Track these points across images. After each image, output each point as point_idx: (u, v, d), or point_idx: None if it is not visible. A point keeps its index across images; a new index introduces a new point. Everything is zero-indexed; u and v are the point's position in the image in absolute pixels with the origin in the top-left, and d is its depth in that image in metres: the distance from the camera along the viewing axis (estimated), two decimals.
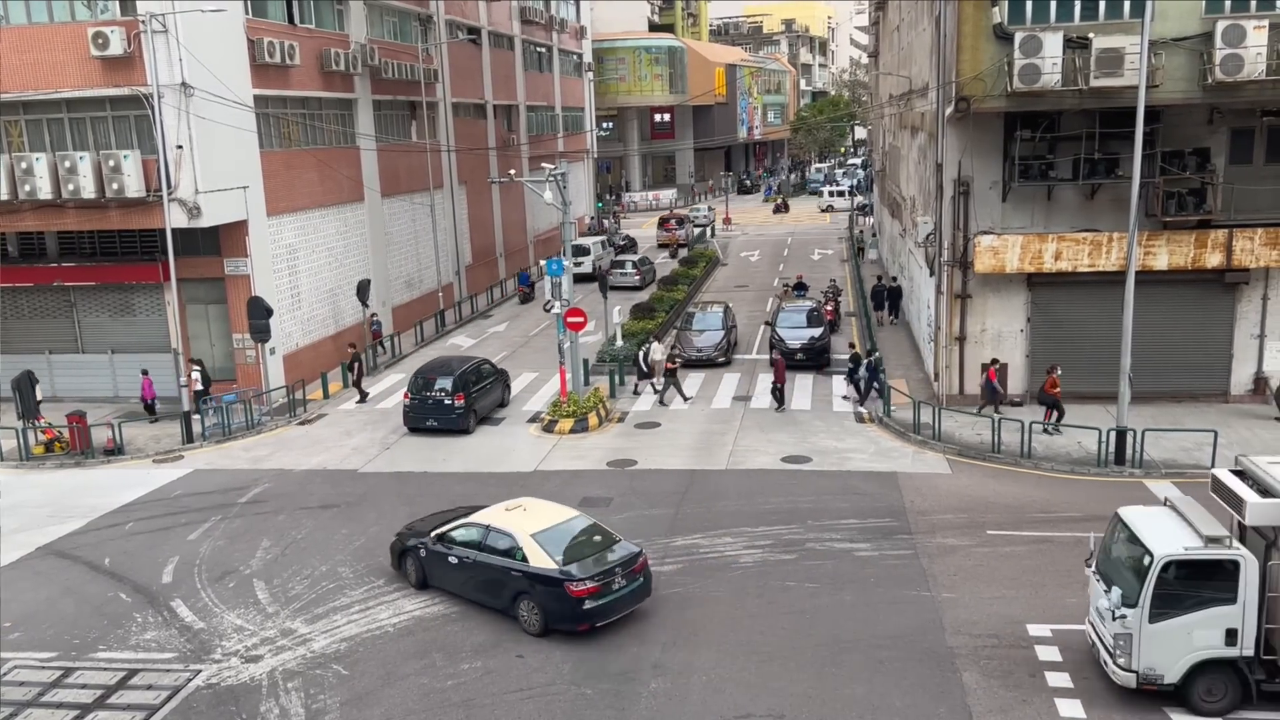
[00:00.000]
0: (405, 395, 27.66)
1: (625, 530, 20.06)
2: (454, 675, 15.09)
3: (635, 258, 49.84)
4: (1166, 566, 13.08)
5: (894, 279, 41.22)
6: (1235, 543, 13.16)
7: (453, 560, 17.21)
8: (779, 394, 28.27)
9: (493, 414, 28.79)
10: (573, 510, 17.78)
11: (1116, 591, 13.40)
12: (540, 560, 16.03)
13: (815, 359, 31.95)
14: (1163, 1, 22.63)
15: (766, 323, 35.32)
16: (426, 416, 27.01)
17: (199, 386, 29.25)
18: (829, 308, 36.91)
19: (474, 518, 17.54)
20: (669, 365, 29.21)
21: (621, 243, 58.32)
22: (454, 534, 17.43)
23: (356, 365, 31.11)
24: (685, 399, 29.23)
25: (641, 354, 30.51)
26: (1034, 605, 16.47)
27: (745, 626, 16.13)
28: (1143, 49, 21.02)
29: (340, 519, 21.56)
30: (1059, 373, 24.88)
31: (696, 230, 64.57)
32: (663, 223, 63.34)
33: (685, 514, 20.99)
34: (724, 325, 34.27)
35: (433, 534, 17.75)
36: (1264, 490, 13.27)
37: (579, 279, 42.73)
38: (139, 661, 15.94)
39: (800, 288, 41.35)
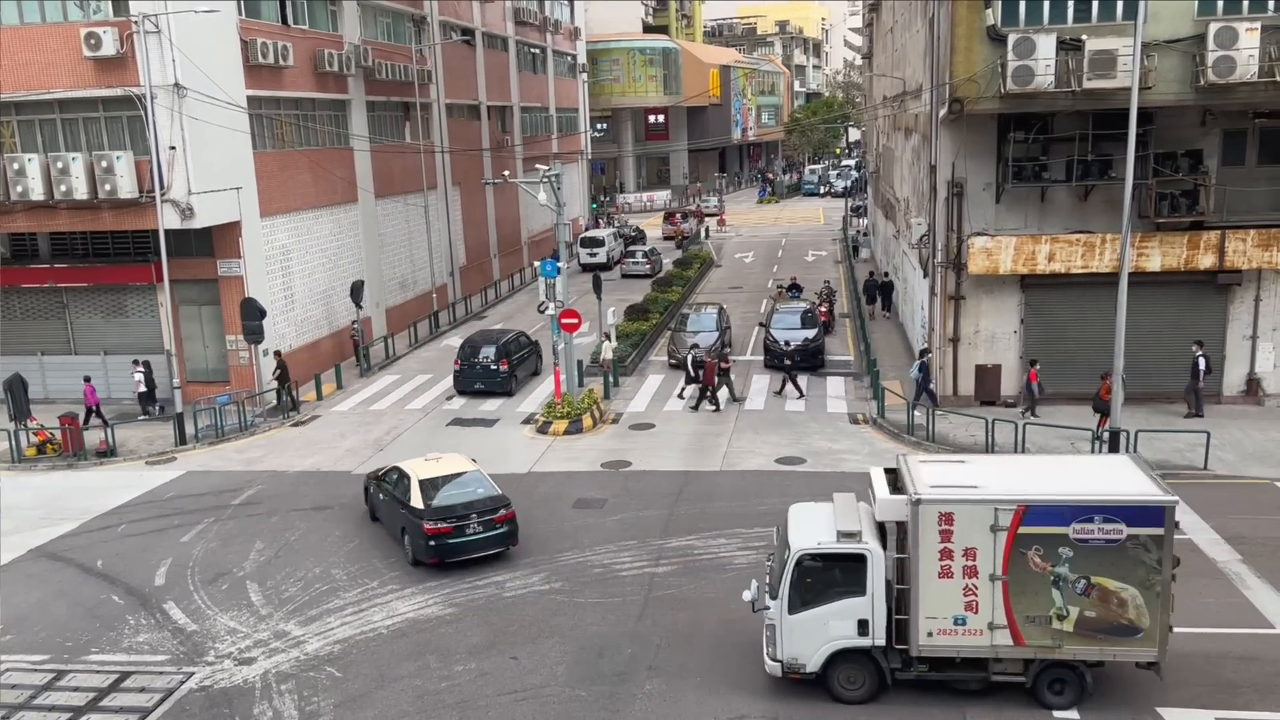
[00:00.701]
0: (455, 363, 31.15)
1: (619, 531, 20.09)
2: (448, 677, 15.07)
3: (645, 248, 53.60)
4: (800, 560, 13.83)
5: (885, 274, 43.05)
6: (866, 538, 13.77)
7: (380, 497, 20.52)
8: (710, 397, 28.51)
9: (528, 380, 32.43)
10: (473, 465, 20.21)
11: (754, 585, 14.56)
12: (415, 501, 18.88)
13: (810, 360, 31.89)
14: (1155, 3, 22.70)
15: (761, 324, 35.26)
16: (475, 380, 30.55)
17: (143, 388, 29.06)
18: (823, 309, 36.96)
19: (400, 464, 20.48)
20: (724, 365, 29.16)
21: (632, 234, 60.78)
22: (385, 476, 20.69)
23: (281, 372, 29.20)
24: (735, 399, 29.15)
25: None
26: None
27: (739, 627, 16.11)
28: (1135, 51, 21.05)
29: (334, 521, 21.52)
30: (1266, 401, 23.54)
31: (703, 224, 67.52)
32: (668, 217, 68.20)
33: (679, 515, 20.99)
34: (718, 326, 34.22)
35: (371, 475, 21.50)
36: (900, 488, 13.94)
37: (591, 268, 50.58)
38: (132, 664, 15.89)
39: (794, 289, 41.40)
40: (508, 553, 19.20)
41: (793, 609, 13.89)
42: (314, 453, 26.21)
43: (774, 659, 14.12)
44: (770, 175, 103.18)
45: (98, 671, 15.69)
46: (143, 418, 27.99)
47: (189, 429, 27.52)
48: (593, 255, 53.27)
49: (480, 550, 18.64)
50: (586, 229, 66.39)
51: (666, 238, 64.78)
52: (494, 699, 14.43)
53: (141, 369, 29.31)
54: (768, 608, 14.17)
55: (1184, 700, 13.74)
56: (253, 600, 17.92)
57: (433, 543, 18.25)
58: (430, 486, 19.10)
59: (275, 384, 29.40)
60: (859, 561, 13.65)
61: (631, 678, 14.85)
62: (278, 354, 29.95)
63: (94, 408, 28.86)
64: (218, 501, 22.96)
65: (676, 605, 17.01)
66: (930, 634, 13.61)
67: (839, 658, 13.93)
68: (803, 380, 30.00)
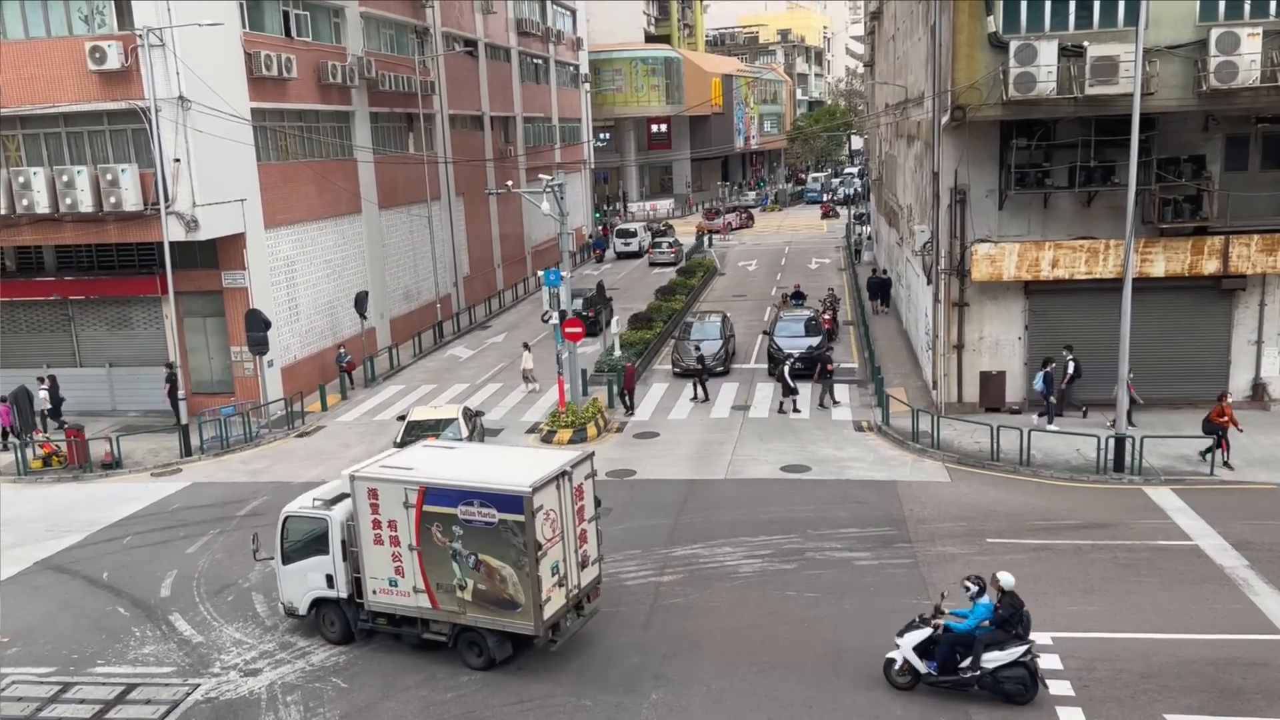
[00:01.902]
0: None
1: (624, 540, 20.07)
2: (453, 687, 15.04)
3: (669, 239, 61.13)
4: (286, 520, 16.58)
5: (884, 271, 45.44)
6: (333, 505, 16.15)
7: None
8: (626, 398, 29.48)
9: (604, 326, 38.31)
10: (456, 413, 24.72)
11: (256, 536, 17.55)
12: (398, 438, 23.53)
13: (813, 368, 31.82)
14: (1157, 8, 22.71)
15: (764, 332, 35.25)
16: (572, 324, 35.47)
17: (47, 405, 28.70)
18: (827, 316, 36.95)
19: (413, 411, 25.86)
20: (828, 367, 29.46)
21: (661, 228, 66.87)
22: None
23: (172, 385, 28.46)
24: (836, 402, 29.32)
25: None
26: (1034, 613, 16.27)
27: (745, 636, 16.10)
28: (1137, 57, 21.09)
29: None
30: (1229, 399, 23.08)
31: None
32: (707, 214, 75.77)
33: (684, 524, 20.96)
34: (722, 335, 34.28)
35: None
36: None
37: (625, 255, 62.99)
38: (137, 676, 15.89)
39: (798, 297, 41.37)
40: None
41: (285, 561, 16.56)
42: (319, 463, 26.22)
43: (279, 600, 16.97)
44: (759, 182, 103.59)
45: (104, 684, 15.68)
46: (41, 436, 27.41)
47: (194, 440, 27.56)
48: (626, 245, 63.13)
49: None
50: (590, 238, 67.09)
51: (709, 232, 70.24)
52: (499, 709, 14.40)
53: (44, 387, 28.70)
54: (271, 558, 16.83)
55: (1192, 707, 13.67)
56: (258, 611, 17.91)
57: None
58: (411, 430, 23.98)
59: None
60: (324, 526, 16.07)
61: (637, 687, 14.81)
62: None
63: (6, 429, 28.31)
64: (223, 513, 22.97)
65: (682, 614, 16.97)
66: (375, 592, 15.85)
67: (319, 604, 16.46)
68: (805, 388, 29.82)
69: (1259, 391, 26.12)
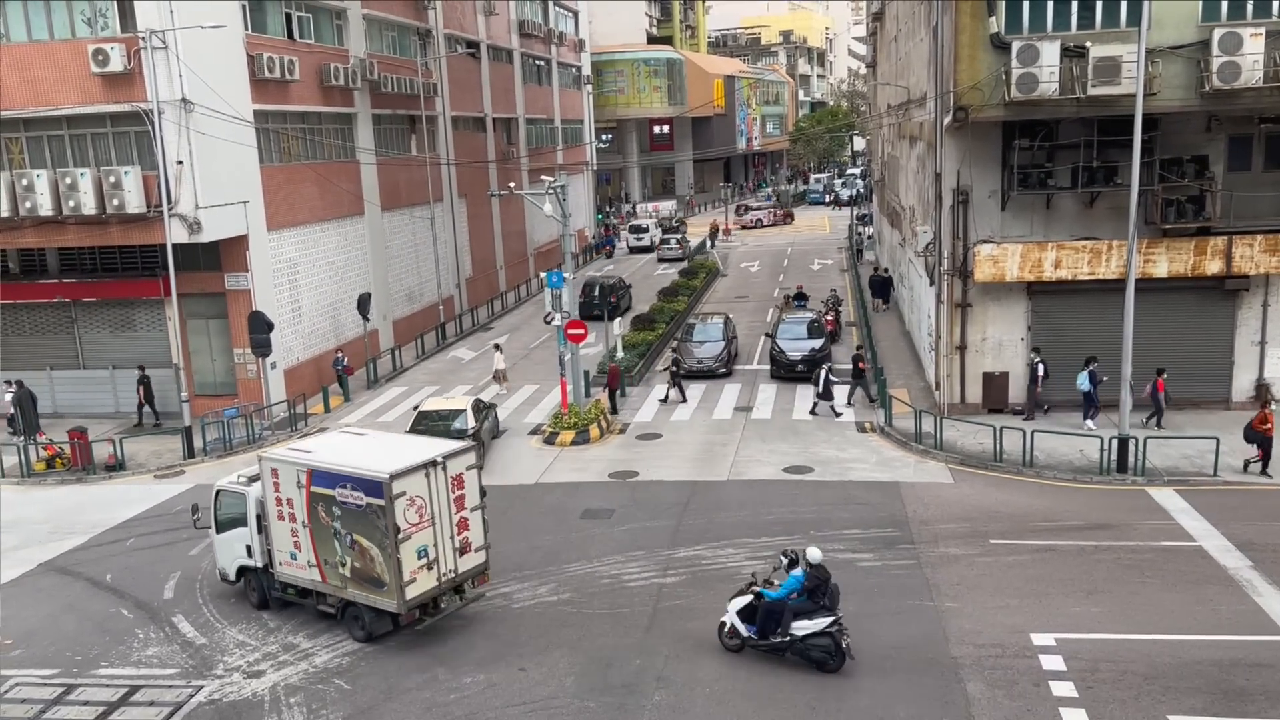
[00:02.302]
0: (580, 294, 40.93)
1: (627, 542, 20.08)
2: (456, 689, 15.05)
3: (678, 236, 63.24)
4: (218, 493, 18.24)
5: (886, 270, 46.50)
6: (252, 482, 17.60)
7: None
8: (611, 399, 29.59)
9: (626, 310, 43.59)
10: (466, 404, 26.11)
11: (196, 506, 19.12)
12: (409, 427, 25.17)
13: (815, 369, 31.78)
14: (1160, 9, 22.70)
15: (767, 334, 35.19)
16: (593, 308, 40.64)
17: (11, 410, 28.23)
18: (829, 317, 36.93)
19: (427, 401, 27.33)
20: (861, 365, 29.48)
21: (673, 225, 69.08)
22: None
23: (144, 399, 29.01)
24: (872, 400, 29.03)
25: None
26: (1038, 615, 16.42)
27: None
28: (1140, 57, 21.07)
29: None
30: (1274, 406, 22.82)
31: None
32: (739, 209, 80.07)
33: (687, 525, 20.96)
34: (724, 336, 34.24)
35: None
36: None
37: (638, 249, 65.82)
38: (141, 678, 15.90)
39: (800, 298, 41.27)
40: (515, 569, 19.20)
41: (218, 531, 18.20)
42: None
43: (216, 569, 18.68)
44: (763, 183, 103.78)
45: (107, 685, 15.70)
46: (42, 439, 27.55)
47: (197, 442, 27.59)
48: (639, 240, 66.14)
49: None
50: (593, 240, 67.28)
51: (744, 226, 75.34)
52: (502, 710, 14.41)
53: (13, 388, 28.59)
54: (209, 526, 18.36)
55: (1195, 709, 13.65)
56: (261, 613, 17.91)
57: None
58: (421, 419, 25.24)
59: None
60: (243, 499, 17.58)
61: (640, 689, 14.81)
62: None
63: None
64: None
65: (685, 616, 16.97)
66: (281, 564, 17.25)
67: (243, 572, 18.05)
68: (808, 390, 29.62)
69: (1262, 392, 26.06)
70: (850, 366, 29.82)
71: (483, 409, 26.89)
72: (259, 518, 17.39)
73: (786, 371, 31.86)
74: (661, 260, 61.05)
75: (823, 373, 28.43)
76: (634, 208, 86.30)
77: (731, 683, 14.83)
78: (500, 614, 17.42)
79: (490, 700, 14.69)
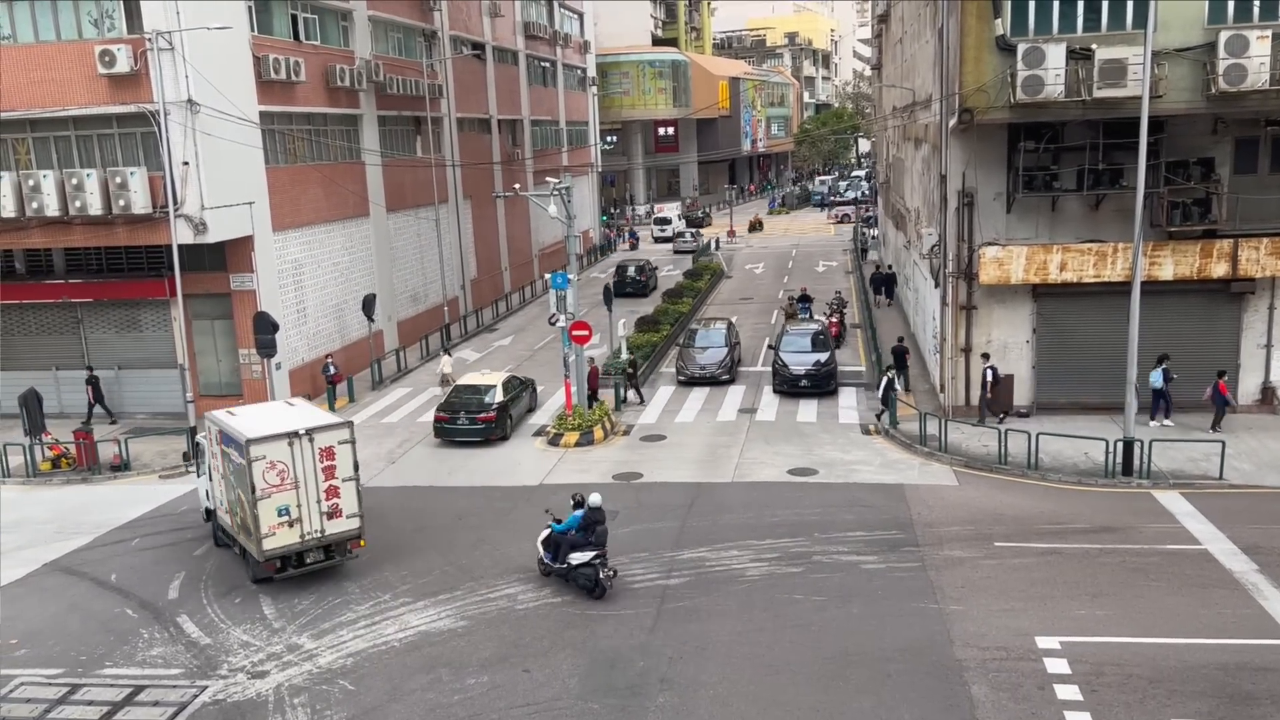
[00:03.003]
0: (614, 275, 48.89)
1: (631, 543, 20.07)
2: (460, 690, 15.05)
3: (694, 230, 68.79)
4: (197, 442, 21.20)
5: (889, 266, 48.19)
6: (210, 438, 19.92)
7: None
8: (591, 400, 29.31)
9: (654, 289, 49.97)
10: (498, 380, 28.42)
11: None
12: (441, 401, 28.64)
13: (821, 385, 30.51)
14: (1166, 11, 22.67)
15: (770, 346, 34.56)
16: (625, 287, 47.98)
17: None
18: (834, 320, 36.84)
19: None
20: (905, 356, 29.94)
21: (698, 218, 74.93)
22: None
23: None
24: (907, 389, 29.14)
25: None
26: (1042, 617, 16.39)
27: (752, 640, 16.08)
28: (1146, 60, 21.05)
29: None
30: None
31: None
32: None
33: (691, 527, 20.95)
34: (727, 342, 33.71)
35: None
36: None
37: (661, 240, 70.11)
38: (145, 678, 15.92)
39: (804, 300, 40.91)
40: (520, 570, 19.22)
41: (198, 474, 21.51)
42: None
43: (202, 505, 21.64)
44: (766, 185, 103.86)
45: (111, 685, 15.72)
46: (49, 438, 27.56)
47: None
48: (663, 231, 70.39)
49: (464, 435, 27.02)
50: (597, 244, 67.64)
51: (837, 221, 78.68)
52: (506, 712, 14.41)
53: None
54: (203, 474, 21.14)
55: (1200, 712, 13.61)
56: (265, 614, 17.95)
57: (435, 424, 27.61)
58: (456, 391, 28.20)
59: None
60: (202, 449, 20.67)
61: (644, 691, 14.80)
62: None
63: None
64: None
65: (689, 617, 16.96)
66: (218, 508, 20.00)
67: (209, 513, 21.15)
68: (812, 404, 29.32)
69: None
70: (860, 368, 29.77)
71: (516, 386, 29.42)
72: (209, 466, 20.32)
73: (790, 387, 30.63)
74: (677, 252, 65.16)
75: (884, 381, 27.57)
76: (652, 206, 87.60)
77: (735, 685, 14.82)
78: (504, 615, 17.43)
79: (494, 701, 14.69)
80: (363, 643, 16.67)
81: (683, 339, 35.75)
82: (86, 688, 15.69)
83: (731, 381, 32.85)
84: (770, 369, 32.19)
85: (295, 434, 18.20)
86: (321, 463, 18.47)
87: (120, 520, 23.10)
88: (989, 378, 25.97)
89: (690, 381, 32.09)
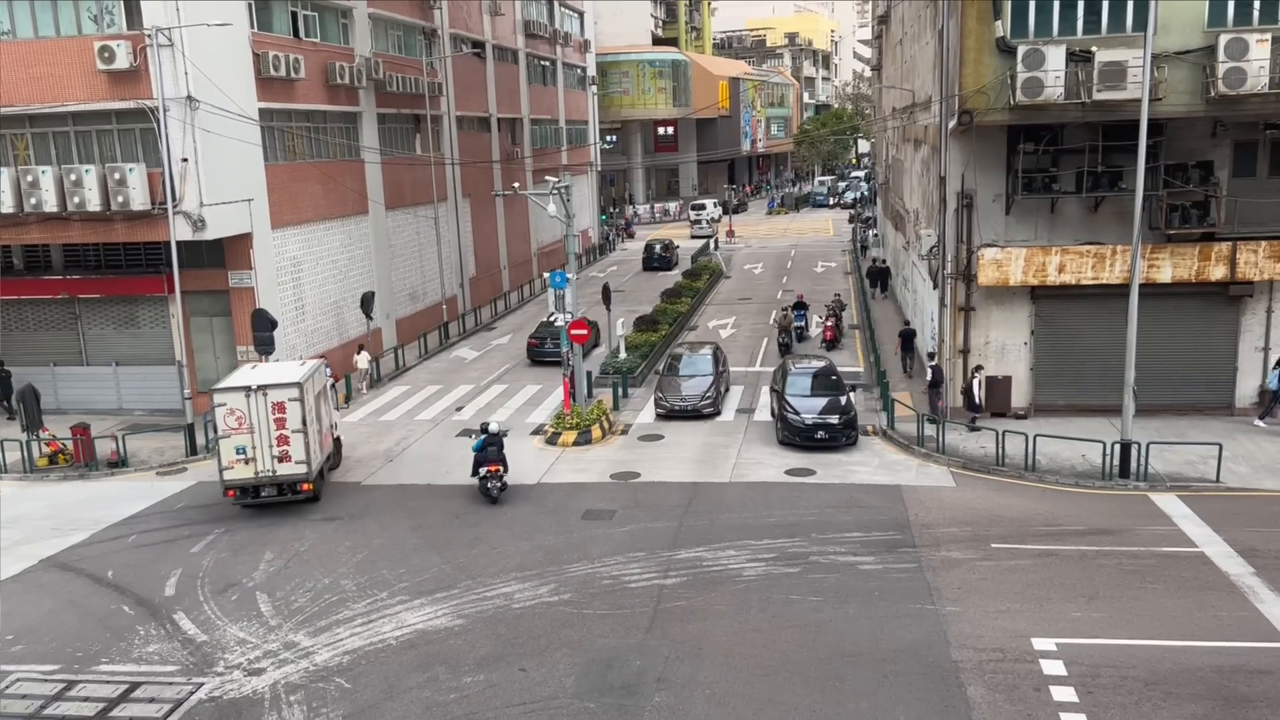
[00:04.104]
0: (644, 252, 59.93)
1: (628, 543, 20.08)
2: (456, 689, 15.05)
3: (716, 216, 77.99)
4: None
5: (883, 261, 50.47)
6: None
7: None
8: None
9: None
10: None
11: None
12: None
13: (841, 437, 25.39)
14: (1166, 14, 22.69)
15: (772, 389, 28.48)
16: (654, 262, 58.59)
17: None
18: (829, 324, 36.60)
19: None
20: (914, 341, 30.58)
21: (735, 203, 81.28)
22: None
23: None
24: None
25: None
26: (1039, 619, 16.41)
27: (749, 640, 16.08)
28: (1145, 62, 21.06)
29: (343, 531, 21.54)
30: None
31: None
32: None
33: (688, 527, 20.95)
34: (714, 370, 29.78)
35: None
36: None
37: (696, 223, 75.92)
38: (141, 674, 15.91)
39: (800, 307, 38.42)
40: (517, 569, 19.23)
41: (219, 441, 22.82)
42: None
43: None
44: (749, 189, 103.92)
45: (108, 682, 15.71)
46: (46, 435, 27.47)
47: (200, 439, 27.61)
48: (698, 216, 76.40)
49: (549, 357, 34.89)
50: (596, 243, 67.66)
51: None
52: (502, 710, 14.40)
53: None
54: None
55: (1196, 715, 13.62)
56: (262, 611, 17.94)
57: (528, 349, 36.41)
58: (543, 325, 36.81)
59: None
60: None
61: (640, 690, 14.80)
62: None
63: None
64: (228, 512, 22.99)
65: (685, 617, 16.97)
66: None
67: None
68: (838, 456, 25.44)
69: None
70: (859, 368, 29.59)
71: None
72: None
73: (803, 439, 25.37)
74: (694, 237, 71.54)
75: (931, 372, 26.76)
76: (652, 205, 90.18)
77: (732, 685, 14.82)
78: (500, 614, 17.43)
79: (490, 700, 14.69)
80: (359, 640, 16.67)
81: (664, 364, 31.34)
82: (82, 684, 15.67)
83: (716, 414, 29.02)
84: (773, 415, 27.50)
85: (249, 388, 21.70)
86: (273, 414, 21.77)
87: (117, 516, 23.09)
88: (928, 377, 26.97)
89: (670, 415, 28.62)
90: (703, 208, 79.96)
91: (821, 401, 26.10)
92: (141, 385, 31.40)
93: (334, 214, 34.81)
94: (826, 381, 27.10)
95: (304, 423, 22.00)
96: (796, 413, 25.81)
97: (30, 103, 27.68)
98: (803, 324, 37.55)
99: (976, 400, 26.07)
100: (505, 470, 22.87)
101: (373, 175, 37.55)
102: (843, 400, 26.32)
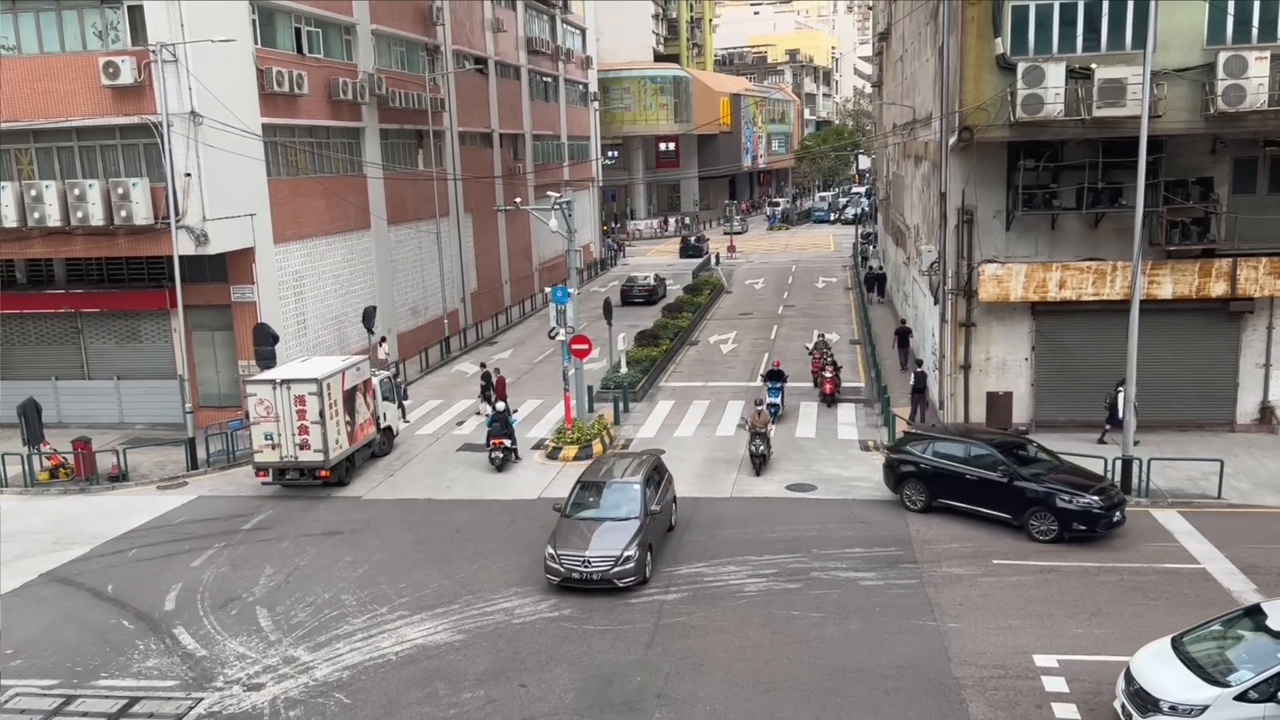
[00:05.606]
0: (680, 244, 70.17)
1: None
2: (456, 704, 15.00)
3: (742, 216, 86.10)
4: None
5: (880, 267, 53.13)
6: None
7: None
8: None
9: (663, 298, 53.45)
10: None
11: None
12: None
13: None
14: (1165, 31, 22.79)
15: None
16: (688, 251, 68.08)
17: None
18: (828, 375, 31.27)
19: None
20: (910, 337, 30.68)
21: (737, 229, 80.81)
22: None
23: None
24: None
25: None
26: (1040, 635, 16.36)
27: (750, 656, 16.04)
28: (1145, 80, 21.15)
29: (343, 546, 21.51)
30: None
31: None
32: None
33: (689, 542, 20.91)
34: (640, 512, 19.04)
35: None
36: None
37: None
38: (141, 689, 15.87)
39: (776, 377, 29.99)
40: (517, 584, 19.19)
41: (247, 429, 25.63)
42: None
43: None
44: (745, 206, 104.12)
45: (107, 697, 15.67)
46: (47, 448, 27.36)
47: (200, 454, 27.61)
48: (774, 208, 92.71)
49: (639, 300, 48.20)
50: (598, 258, 67.81)
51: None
52: None
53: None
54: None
55: None
56: (262, 626, 17.91)
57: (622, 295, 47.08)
58: (630, 279, 48.70)
59: None
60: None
61: (640, 706, 14.76)
62: None
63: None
64: (228, 526, 22.99)
65: (686, 633, 16.93)
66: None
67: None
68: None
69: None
70: (860, 384, 29.38)
71: (660, 280, 51.91)
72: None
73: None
74: (727, 234, 77.15)
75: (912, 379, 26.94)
76: (616, 237, 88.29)
77: (732, 701, 14.78)
78: (501, 629, 17.40)
79: (490, 716, 14.64)
80: (359, 656, 16.63)
81: (567, 505, 19.86)
82: (81, 699, 15.64)
83: (644, 584, 18.66)
84: None
85: (275, 382, 24.09)
86: (295, 406, 24.00)
87: (118, 531, 23.07)
88: (912, 383, 28.66)
89: (565, 585, 18.44)
90: (776, 204, 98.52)
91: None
92: (143, 399, 31.41)
93: (336, 229, 34.91)
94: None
95: (322, 415, 24.01)
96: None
97: (35, 117, 27.80)
98: (778, 400, 29.41)
99: (1118, 415, 24.41)
100: (513, 443, 26.33)
101: (375, 190, 37.66)
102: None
